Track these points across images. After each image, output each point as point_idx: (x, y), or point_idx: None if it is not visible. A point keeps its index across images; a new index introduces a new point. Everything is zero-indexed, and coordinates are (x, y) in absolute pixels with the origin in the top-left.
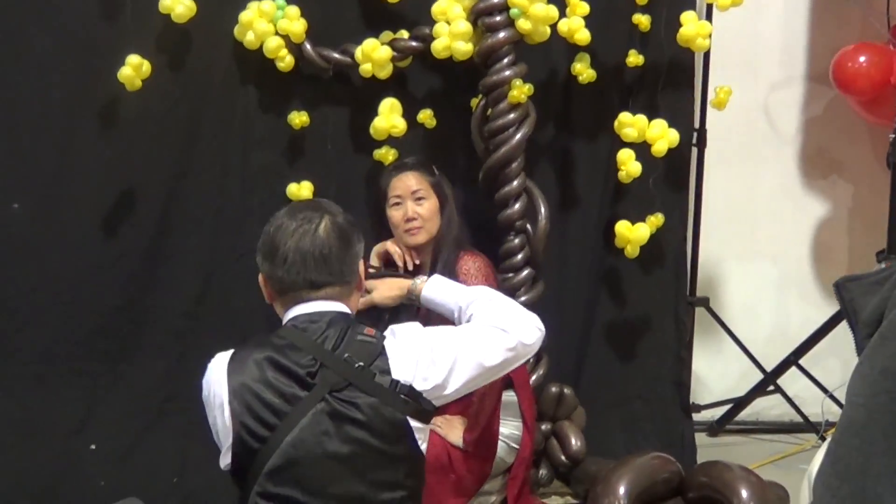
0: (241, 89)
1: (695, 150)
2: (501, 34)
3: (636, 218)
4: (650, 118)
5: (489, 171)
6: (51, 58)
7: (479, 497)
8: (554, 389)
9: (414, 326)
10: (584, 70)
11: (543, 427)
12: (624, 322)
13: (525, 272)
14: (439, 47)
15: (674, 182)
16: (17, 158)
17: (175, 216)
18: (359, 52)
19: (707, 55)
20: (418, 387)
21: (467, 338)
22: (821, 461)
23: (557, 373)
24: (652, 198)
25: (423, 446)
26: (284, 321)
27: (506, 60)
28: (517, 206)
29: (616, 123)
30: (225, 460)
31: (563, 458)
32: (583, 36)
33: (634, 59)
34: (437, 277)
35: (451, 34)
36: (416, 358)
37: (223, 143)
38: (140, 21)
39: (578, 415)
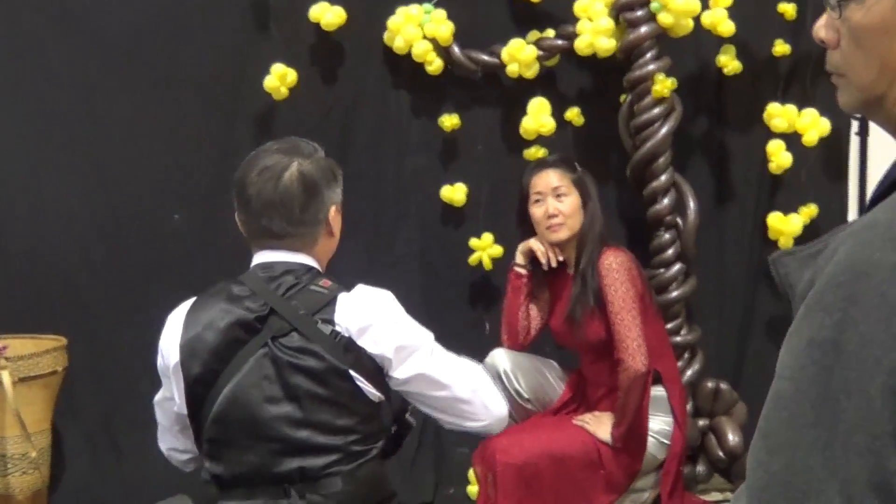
0: (392, 94)
1: (857, 140)
2: (643, 29)
3: (792, 210)
4: (804, 108)
5: (636, 167)
6: (206, 72)
7: (632, 494)
8: (710, 385)
9: (387, 294)
10: (729, 62)
11: (701, 423)
12: (785, 316)
13: (676, 267)
14: (582, 45)
15: (831, 172)
16: (176, 171)
17: None
18: (505, 52)
19: None
20: (363, 344)
21: (437, 349)
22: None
23: (717, 368)
24: (807, 189)
25: (375, 394)
26: (251, 265)
27: (649, 55)
28: (666, 200)
29: (765, 114)
30: (163, 393)
31: (720, 453)
32: (726, 27)
33: (781, 48)
34: None
35: (594, 31)
36: (371, 318)
37: (377, 149)
38: (290, 31)
39: (739, 410)
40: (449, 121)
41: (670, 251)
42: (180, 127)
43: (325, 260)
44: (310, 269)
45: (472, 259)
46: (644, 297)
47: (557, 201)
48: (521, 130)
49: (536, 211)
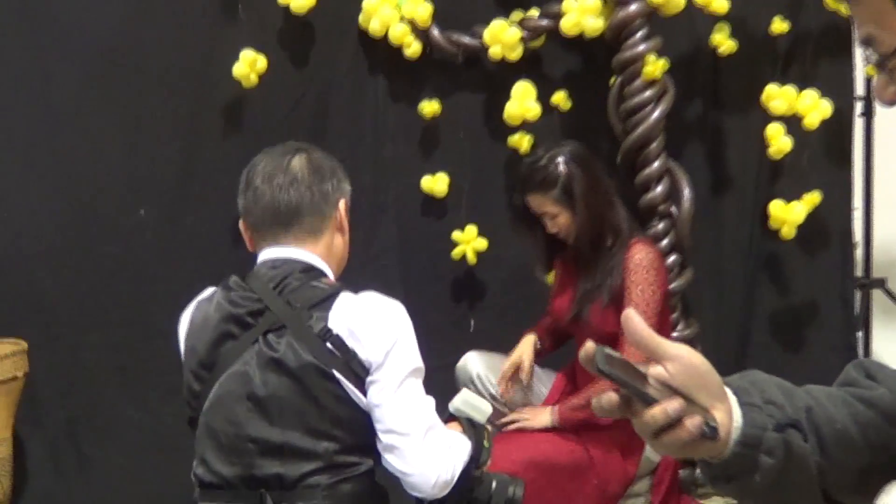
0: (368, 80)
1: (861, 122)
2: (632, 7)
3: (794, 197)
4: (805, 89)
5: (627, 153)
6: (172, 59)
7: (628, 500)
8: None
9: (396, 304)
10: (723, 41)
11: None
12: (787, 309)
13: (671, 259)
14: (568, 25)
15: (834, 156)
16: (142, 163)
17: None
18: (487, 34)
19: None
20: (352, 346)
21: (418, 384)
22: None
23: (716, 365)
24: (809, 175)
25: (364, 401)
26: (257, 263)
27: (639, 35)
28: (659, 188)
29: (763, 96)
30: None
31: None
32: (720, 4)
33: (779, 26)
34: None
35: (580, 10)
36: (369, 321)
37: (353, 137)
38: (259, 15)
39: None
40: (429, 107)
41: (665, 242)
42: (145, 117)
43: (334, 263)
44: (314, 267)
45: (456, 253)
46: (668, 297)
47: (551, 221)
48: (505, 116)
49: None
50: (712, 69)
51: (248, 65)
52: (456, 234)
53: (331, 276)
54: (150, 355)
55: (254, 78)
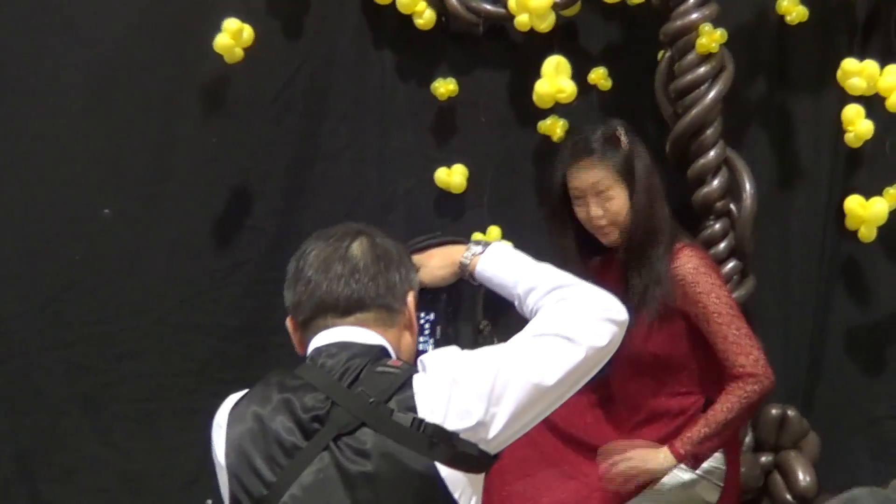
0: (373, 54)
1: None
2: None
3: (875, 192)
4: (888, 64)
5: (678, 140)
6: (139, 32)
7: None
8: (775, 412)
9: (449, 352)
10: (792, 7)
11: (763, 458)
12: (867, 323)
13: (730, 265)
14: None
15: None
16: (105, 155)
17: (300, 215)
18: (513, 0)
19: None
20: (451, 426)
21: (515, 352)
22: None
23: (782, 390)
24: (893, 165)
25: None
26: (308, 353)
27: (691, 1)
28: (716, 182)
29: (839, 73)
30: None
31: (788, 496)
32: None
33: None
34: (495, 247)
35: None
36: (448, 389)
37: (354, 122)
38: None
39: (810, 442)
40: (444, 86)
41: (722, 245)
42: (109, 100)
43: (403, 357)
44: (375, 346)
45: None
46: None
47: (601, 201)
48: (535, 97)
49: (579, 211)
50: (778, 41)
51: (232, 36)
52: (476, 237)
53: (395, 356)
54: (117, 380)
55: (238, 52)
